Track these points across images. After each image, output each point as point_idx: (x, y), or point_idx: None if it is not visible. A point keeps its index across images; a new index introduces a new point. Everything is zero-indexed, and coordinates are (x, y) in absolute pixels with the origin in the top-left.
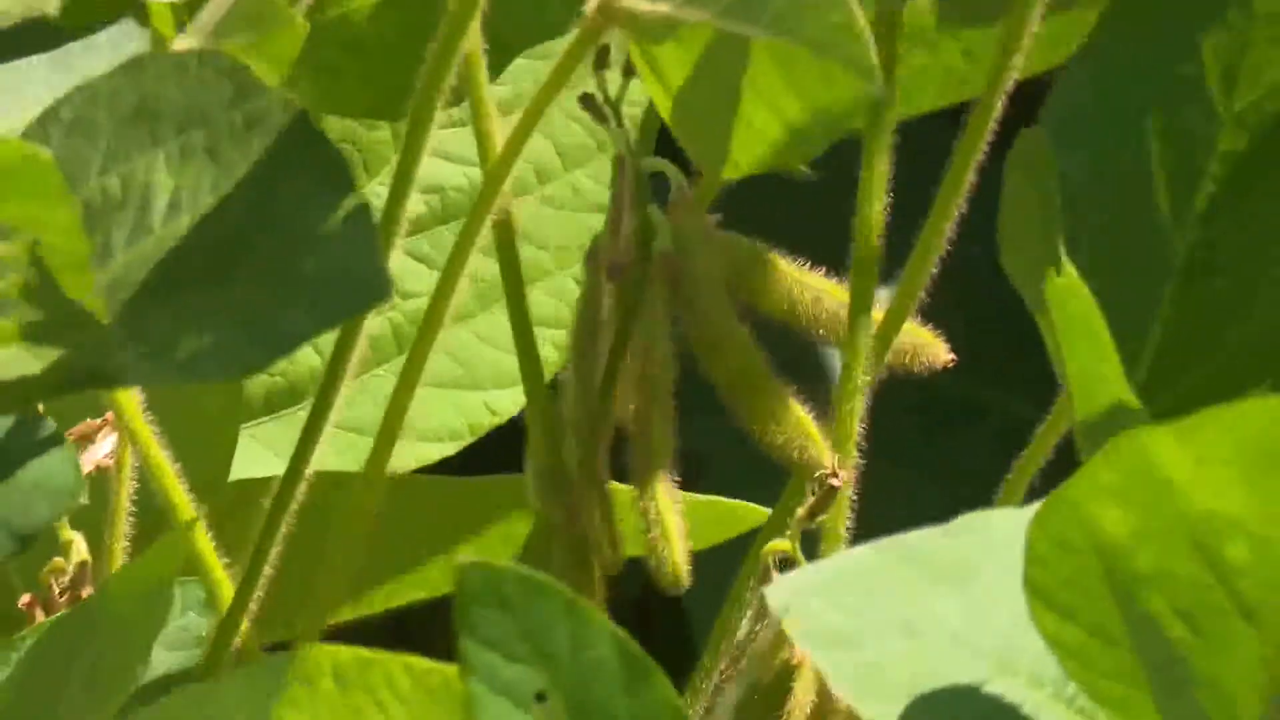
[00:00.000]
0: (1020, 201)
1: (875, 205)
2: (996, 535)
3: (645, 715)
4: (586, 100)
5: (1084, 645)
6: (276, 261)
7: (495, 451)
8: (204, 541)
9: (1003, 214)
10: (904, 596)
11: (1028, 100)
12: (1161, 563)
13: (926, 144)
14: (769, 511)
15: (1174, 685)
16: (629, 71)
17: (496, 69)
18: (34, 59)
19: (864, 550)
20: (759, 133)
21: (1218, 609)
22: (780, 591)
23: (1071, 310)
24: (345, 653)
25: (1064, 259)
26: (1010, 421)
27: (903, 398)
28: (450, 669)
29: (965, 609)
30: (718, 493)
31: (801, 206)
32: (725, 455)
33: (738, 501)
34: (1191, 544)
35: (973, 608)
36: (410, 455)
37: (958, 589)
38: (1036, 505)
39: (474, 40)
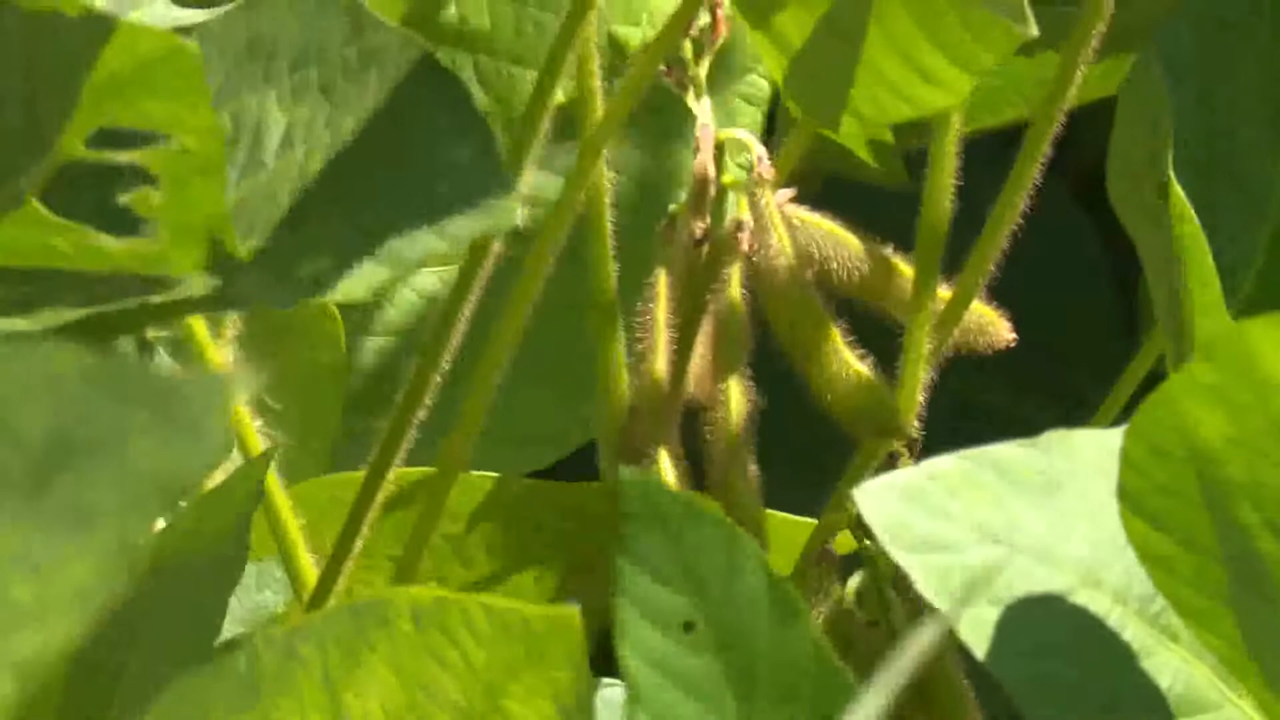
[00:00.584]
0: (1129, 131)
1: (945, 175)
2: (1082, 452)
3: (792, 651)
4: (668, 70)
5: (1173, 555)
6: (405, 191)
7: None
8: (289, 518)
9: (1112, 142)
10: (990, 505)
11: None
12: (1256, 472)
13: (979, 161)
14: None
15: (1261, 601)
16: (710, 41)
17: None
18: None
19: (951, 459)
20: (893, 86)
21: None
22: (869, 495)
23: (1178, 233)
24: (423, 593)
25: (1173, 184)
26: (1019, 424)
27: (934, 408)
28: (529, 608)
29: (1051, 521)
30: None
31: (867, 206)
32: (774, 444)
33: (787, 515)
34: None
35: (1058, 521)
36: (505, 462)
37: (1044, 501)
38: (1126, 425)
39: (590, 32)
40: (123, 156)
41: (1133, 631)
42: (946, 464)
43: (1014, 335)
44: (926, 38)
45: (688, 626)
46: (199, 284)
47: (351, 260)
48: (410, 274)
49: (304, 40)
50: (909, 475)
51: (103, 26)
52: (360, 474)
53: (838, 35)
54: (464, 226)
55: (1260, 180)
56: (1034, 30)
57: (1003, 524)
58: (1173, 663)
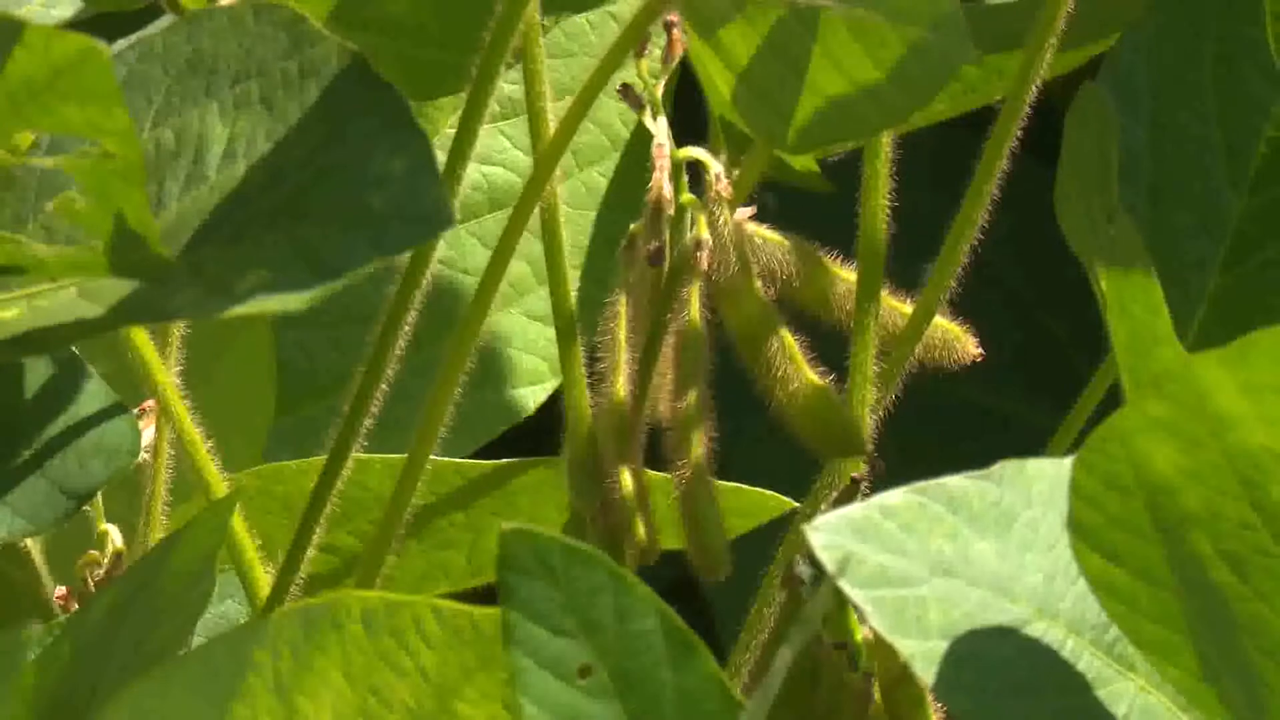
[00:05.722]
0: (1078, 155)
1: (879, 195)
2: (1035, 482)
3: (691, 690)
4: (625, 90)
5: (1128, 587)
6: (341, 201)
7: (513, 449)
8: (240, 529)
9: (1060, 167)
10: (943, 538)
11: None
12: (1209, 503)
13: (947, 149)
14: (796, 503)
15: (1218, 630)
16: (667, 58)
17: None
18: None
19: (903, 492)
20: (838, 105)
21: (1264, 552)
22: (821, 531)
23: (1124, 264)
24: (373, 597)
25: (1120, 213)
26: (1026, 429)
27: (919, 405)
28: (479, 611)
29: (1004, 553)
30: None
31: (822, 219)
32: (745, 457)
33: (764, 491)
34: (1239, 482)
35: (1012, 552)
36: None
37: (996, 533)
38: (1078, 453)
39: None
40: (46, 162)
41: (1088, 661)
42: (898, 497)
43: (981, 350)
44: (870, 59)
45: (584, 672)
46: (136, 295)
47: (288, 273)
48: (341, 280)
49: (244, 54)
50: (861, 509)
51: (10, 30)
52: (290, 464)
53: (784, 55)
54: (399, 240)
55: (1215, 205)
56: (974, 56)
57: (956, 557)
58: (1129, 691)
